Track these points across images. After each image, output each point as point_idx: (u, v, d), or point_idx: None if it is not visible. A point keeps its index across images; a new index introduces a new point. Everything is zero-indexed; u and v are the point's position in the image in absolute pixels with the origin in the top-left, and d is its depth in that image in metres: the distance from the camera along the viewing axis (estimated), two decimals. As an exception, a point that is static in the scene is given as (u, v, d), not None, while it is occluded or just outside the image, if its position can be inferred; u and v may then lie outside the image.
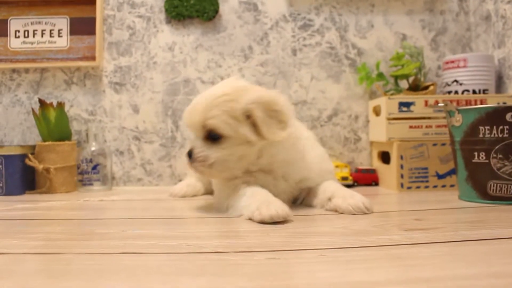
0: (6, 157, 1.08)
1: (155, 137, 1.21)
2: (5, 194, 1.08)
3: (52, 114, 1.13)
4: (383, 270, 0.42)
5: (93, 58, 1.20)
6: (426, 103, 1.07)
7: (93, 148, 1.15)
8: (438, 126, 1.06)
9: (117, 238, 0.59)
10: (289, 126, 0.75)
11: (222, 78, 1.21)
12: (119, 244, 0.55)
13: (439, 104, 0.96)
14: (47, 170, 1.10)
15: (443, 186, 1.05)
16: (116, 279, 0.41)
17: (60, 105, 1.15)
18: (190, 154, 0.77)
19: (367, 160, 1.22)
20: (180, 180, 1.16)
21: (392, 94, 1.15)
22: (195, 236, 0.60)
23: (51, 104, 1.13)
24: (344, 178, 1.14)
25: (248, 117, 0.73)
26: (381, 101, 1.11)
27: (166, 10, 1.20)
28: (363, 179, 1.17)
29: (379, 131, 1.12)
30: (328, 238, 0.57)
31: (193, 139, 0.78)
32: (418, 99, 1.07)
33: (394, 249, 0.50)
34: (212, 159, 0.75)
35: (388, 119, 1.07)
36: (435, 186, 1.06)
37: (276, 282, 0.39)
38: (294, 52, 1.22)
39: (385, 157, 1.16)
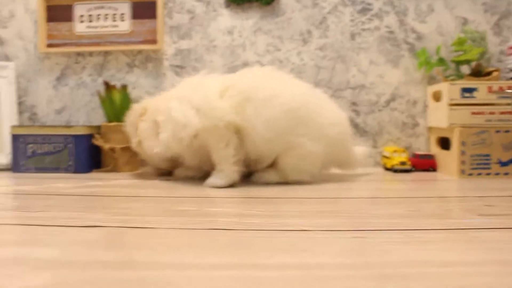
0: (75, 136, 1.13)
1: (215, 120, 1.23)
2: (74, 172, 1.13)
3: (117, 96, 1.16)
4: (461, 251, 0.44)
5: (154, 41, 1.22)
6: (489, 89, 1.06)
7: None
8: (502, 113, 1.05)
9: (198, 215, 0.62)
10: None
11: (281, 62, 1.22)
12: (204, 220, 0.58)
13: (507, 91, 0.95)
14: (113, 149, 1.14)
15: (506, 173, 1.05)
16: (217, 252, 0.44)
17: (124, 87, 1.18)
18: None
19: (425, 145, 1.22)
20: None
21: (452, 80, 1.14)
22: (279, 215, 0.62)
23: (115, 86, 1.17)
24: (402, 163, 1.14)
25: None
26: (443, 86, 1.10)
27: (227, -6, 1.21)
28: (421, 164, 1.18)
29: (439, 116, 1.12)
30: (406, 220, 0.58)
31: None
32: (481, 85, 1.06)
33: (472, 232, 0.51)
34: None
35: (450, 105, 1.07)
36: (497, 174, 1.05)
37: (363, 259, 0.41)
38: (352, 36, 1.22)
39: (444, 143, 1.15)
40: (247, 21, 1.23)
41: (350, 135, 1.00)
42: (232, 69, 1.23)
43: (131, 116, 1.02)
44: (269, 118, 0.85)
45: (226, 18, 1.23)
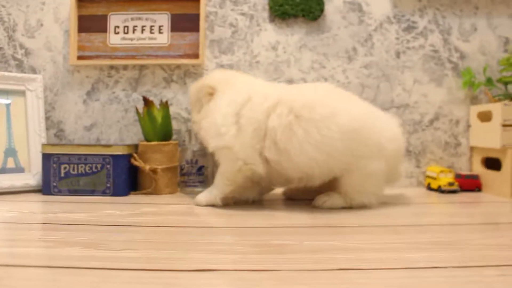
0: (114, 156, 1.06)
1: (257, 138, 1.18)
2: (112, 195, 1.06)
3: (158, 113, 1.10)
4: None
5: (195, 55, 1.17)
6: (543, 110, 1.05)
7: (195, 149, 1.12)
8: (556, 134, 1.05)
9: (305, 251, 0.56)
10: None
11: (326, 79, 1.18)
12: (319, 258, 0.52)
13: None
14: (154, 170, 1.08)
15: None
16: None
17: (166, 104, 1.12)
18: None
19: (467, 165, 1.21)
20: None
21: (499, 100, 1.13)
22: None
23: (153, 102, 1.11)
24: (450, 184, 1.12)
25: None
26: (494, 107, 1.09)
27: (271, 8, 1.17)
28: (467, 184, 1.16)
29: (489, 137, 1.11)
30: None
31: None
32: (535, 106, 1.06)
33: None
34: None
35: (504, 125, 1.06)
36: (549, 194, 1.05)
37: None
38: (397, 54, 1.20)
39: (490, 163, 1.15)
40: (292, 37, 1.19)
41: (404, 150, 0.98)
42: (276, 85, 1.18)
43: (200, 92, 0.98)
44: (321, 140, 0.81)
45: (270, 33, 1.19)
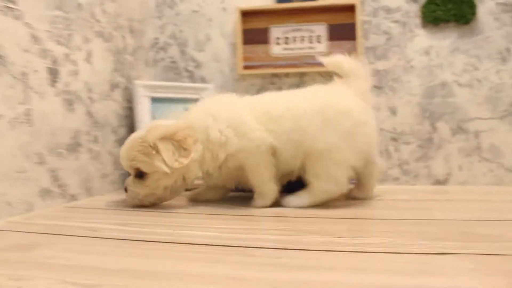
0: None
1: (412, 138, 1.26)
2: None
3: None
4: None
5: (352, 62, 1.25)
6: None
7: (359, 149, 1.21)
8: None
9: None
10: (192, 151, 0.85)
11: (479, 81, 1.24)
12: None
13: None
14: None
15: None
16: None
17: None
18: (125, 190, 0.91)
19: None
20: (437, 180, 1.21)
21: None
22: None
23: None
24: None
25: (158, 152, 0.84)
26: None
27: (423, 15, 1.24)
28: None
29: None
30: None
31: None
32: None
33: None
34: (141, 195, 0.88)
35: None
36: None
37: None
38: (551, 54, 1.23)
39: None
40: (444, 41, 1.25)
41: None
42: (430, 88, 1.26)
43: (153, 136, 0.86)
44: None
45: (423, 38, 1.26)
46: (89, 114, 1.07)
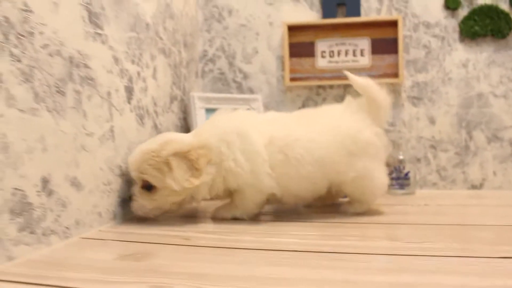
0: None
1: (450, 146, 1.35)
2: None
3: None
4: None
5: (394, 75, 1.35)
6: None
7: (401, 157, 1.31)
8: None
9: None
10: (204, 172, 0.84)
11: (514, 92, 1.32)
12: None
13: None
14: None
15: None
16: None
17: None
18: (130, 199, 0.91)
19: None
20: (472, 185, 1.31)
21: None
22: None
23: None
24: None
25: (170, 168, 0.82)
26: None
27: (461, 30, 1.33)
28: None
29: None
30: None
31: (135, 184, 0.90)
32: None
33: None
34: (147, 209, 0.89)
35: None
36: None
37: None
38: None
39: None
40: (481, 55, 1.34)
41: None
42: (467, 99, 1.34)
43: (167, 152, 0.86)
44: None
45: (461, 52, 1.34)
46: (155, 127, 1.17)
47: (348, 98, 0.96)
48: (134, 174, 0.88)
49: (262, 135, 0.87)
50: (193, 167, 0.83)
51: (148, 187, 0.88)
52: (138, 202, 0.89)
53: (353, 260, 0.64)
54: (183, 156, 0.83)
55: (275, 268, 0.62)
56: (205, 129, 0.90)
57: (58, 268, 0.64)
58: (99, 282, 0.56)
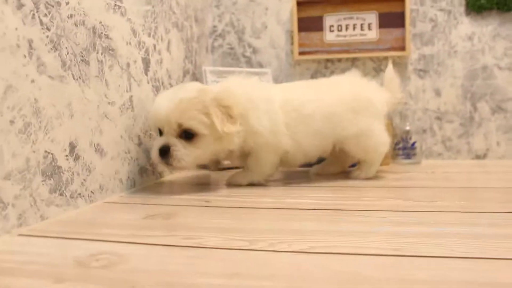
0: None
1: (455, 117, 1.39)
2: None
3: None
4: None
5: (401, 48, 1.38)
6: None
7: (407, 128, 1.35)
8: None
9: None
10: (238, 119, 0.86)
11: (518, 64, 1.35)
12: None
13: None
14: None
15: None
16: None
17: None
18: (163, 151, 0.84)
19: None
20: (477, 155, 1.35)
21: None
22: None
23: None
24: None
25: (209, 114, 0.82)
26: None
27: (468, 3, 1.35)
28: None
29: None
30: None
31: (164, 136, 0.86)
32: None
33: None
34: (189, 159, 0.84)
35: None
36: None
37: None
38: None
39: None
40: (486, 28, 1.37)
41: None
42: (472, 71, 1.38)
43: (208, 98, 0.87)
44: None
45: (466, 25, 1.37)
46: (170, 98, 1.20)
47: (353, 69, 1.08)
48: (170, 124, 0.84)
49: (277, 98, 0.94)
50: (229, 115, 0.85)
51: (189, 136, 0.85)
52: (180, 151, 0.84)
53: (371, 216, 0.68)
54: (219, 103, 0.84)
55: (297, 222, 0.66)
56: (230, 87, 0.91)
57: (90, 226, 0.68)
58: (133, 236, 0.60)
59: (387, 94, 1.03)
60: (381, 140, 1.01)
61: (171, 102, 0.84)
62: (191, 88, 0.88)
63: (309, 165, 1.16)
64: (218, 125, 0.82)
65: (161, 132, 0.88)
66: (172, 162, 0.84)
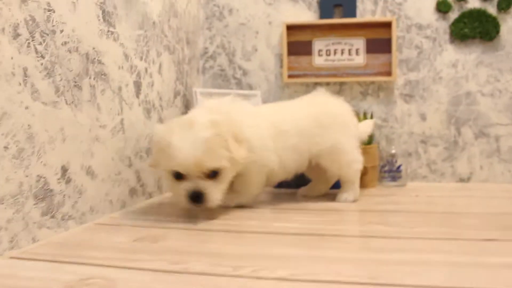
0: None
1: (440, 141, 1.43)
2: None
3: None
4: None
5: (387, 73, 1.42)
6: None
7: (393, 151, 1.38)
8: None
9: None
10: (245, 143, 0.90)
11: (500, 92, 1.40)
12: None
13: None
14: (365, 169, 1.34)
15: None
16: None
17: (365, 115, 1.38)
18: (196, 196, 0.82)
19: None
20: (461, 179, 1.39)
21: None
22: None
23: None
24: None
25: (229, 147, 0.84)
26: None
27: (453, 32, 1.40)
28: None
29: None
30: None
31: (190, 180, 0.83)
32: None
33: None
34: (220, 194, 0.85)
35: None
36: None
37: None
38: None
39: None
40: (469, 56, 1.42)
41: None
42: (456, 97, 1.42)
43: (225, 130, 0.87)
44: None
45: (451, 52, 1.42)
46: (160, 120, 1.23)
47: (322, 89, 1.14)
48: (200, 169, 0.81)
49: (262, 118, 1.00)
50: (238, 140, 0.87)
51: (214, 173, 0.84)
52: (212, 193, 0.83)
53: (352, 242, 0.71)
54: (233, 133, 0.87)
55: (281, 248, 0.68)
56: (230, 113, 0.93)
57: (80, 248, 0.70)
58: (121, 260, 0.62)
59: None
60: (352, 157, 1.05)
61: (194, 146, 0.81)
62: (202, 122, 0.84)
63: (295, 186, 1.18)
64: (236, 154, 0.84)
65: (179, 174, 0.84)
66: (207, 205, 0.84)
